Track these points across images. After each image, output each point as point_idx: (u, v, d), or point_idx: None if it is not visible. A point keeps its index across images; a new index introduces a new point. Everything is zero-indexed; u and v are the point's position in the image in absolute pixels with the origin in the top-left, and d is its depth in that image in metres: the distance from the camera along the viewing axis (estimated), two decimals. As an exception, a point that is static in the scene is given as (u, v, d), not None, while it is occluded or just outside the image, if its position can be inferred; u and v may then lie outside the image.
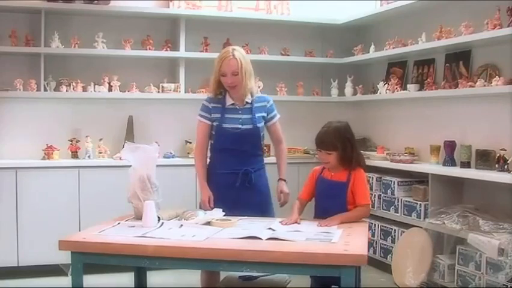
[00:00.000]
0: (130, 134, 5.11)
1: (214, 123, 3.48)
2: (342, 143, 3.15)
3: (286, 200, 3.54)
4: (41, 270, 4.57)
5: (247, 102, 3.48)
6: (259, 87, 5.42)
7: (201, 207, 3.44)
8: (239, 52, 3.42)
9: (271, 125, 3.59)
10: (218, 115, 3.47)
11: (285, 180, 3.58)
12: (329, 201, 3.17)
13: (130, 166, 3.15)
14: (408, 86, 4.86)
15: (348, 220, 3.07)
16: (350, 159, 3.16)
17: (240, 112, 3.46)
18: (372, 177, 4.88)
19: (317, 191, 3.26)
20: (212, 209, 3.29)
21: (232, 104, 3.47)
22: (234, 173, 3.42)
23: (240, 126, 3.44)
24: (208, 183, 3.48)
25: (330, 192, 3.19)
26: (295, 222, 3.04)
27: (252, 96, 3.50)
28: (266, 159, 5.06)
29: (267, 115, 3.55)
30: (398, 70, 5.19)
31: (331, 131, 3.17)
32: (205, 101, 3.54)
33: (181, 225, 2.99)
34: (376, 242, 4.82)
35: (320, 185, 3.25)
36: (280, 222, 3.06)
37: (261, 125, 3.50)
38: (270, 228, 2.89)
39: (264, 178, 3.58)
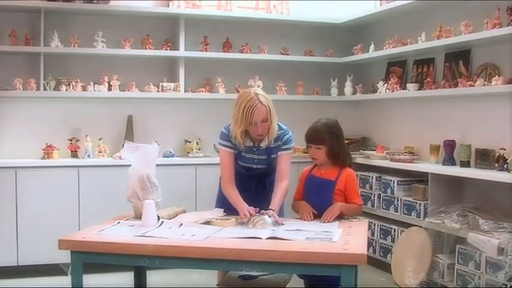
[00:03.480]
0: (129, 134, 5.11)
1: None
2: (330, 138, 3.25)
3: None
4: (41, 269, 4.56)
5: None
6: (258, 86, 5.43)
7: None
8: (263, 96, 3.21)
9: (278, 156, 3.35)
10: (236, 151, 3.36)
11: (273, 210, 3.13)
12: (315, 198, 3.26)
13: (130, 165, 3.15)
14: (408, 85, 4.86)
15: (346, 211, 3.20)
16: (337, 154, 3.26)
17: (256, 152, 3.35)
18: (372, 177, 4.88)
19: (306, 188, 3.35)
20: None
21: (251, 145, 3.34)
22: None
23: (254, 166, 3.39)
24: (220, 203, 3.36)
25: (317, 188, 3.28)
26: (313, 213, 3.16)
27: (269, 140, 3.30)
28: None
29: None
30: (398, 69, 5.19)
31: (320, 126, 3.28)
32: (225, 129, 3.35)
33: (181, 224, 2.99)
34: (376, 241, 4.81)
35: (308, 182, 3.35)
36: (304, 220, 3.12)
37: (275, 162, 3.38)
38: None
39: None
